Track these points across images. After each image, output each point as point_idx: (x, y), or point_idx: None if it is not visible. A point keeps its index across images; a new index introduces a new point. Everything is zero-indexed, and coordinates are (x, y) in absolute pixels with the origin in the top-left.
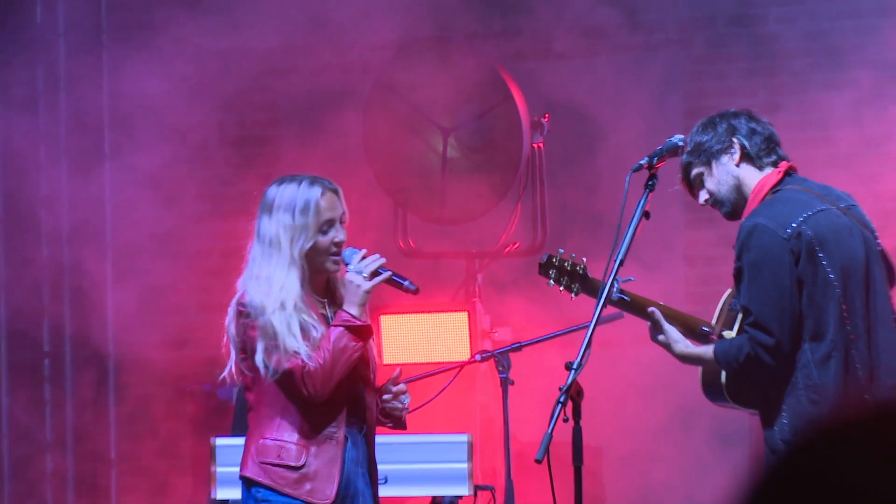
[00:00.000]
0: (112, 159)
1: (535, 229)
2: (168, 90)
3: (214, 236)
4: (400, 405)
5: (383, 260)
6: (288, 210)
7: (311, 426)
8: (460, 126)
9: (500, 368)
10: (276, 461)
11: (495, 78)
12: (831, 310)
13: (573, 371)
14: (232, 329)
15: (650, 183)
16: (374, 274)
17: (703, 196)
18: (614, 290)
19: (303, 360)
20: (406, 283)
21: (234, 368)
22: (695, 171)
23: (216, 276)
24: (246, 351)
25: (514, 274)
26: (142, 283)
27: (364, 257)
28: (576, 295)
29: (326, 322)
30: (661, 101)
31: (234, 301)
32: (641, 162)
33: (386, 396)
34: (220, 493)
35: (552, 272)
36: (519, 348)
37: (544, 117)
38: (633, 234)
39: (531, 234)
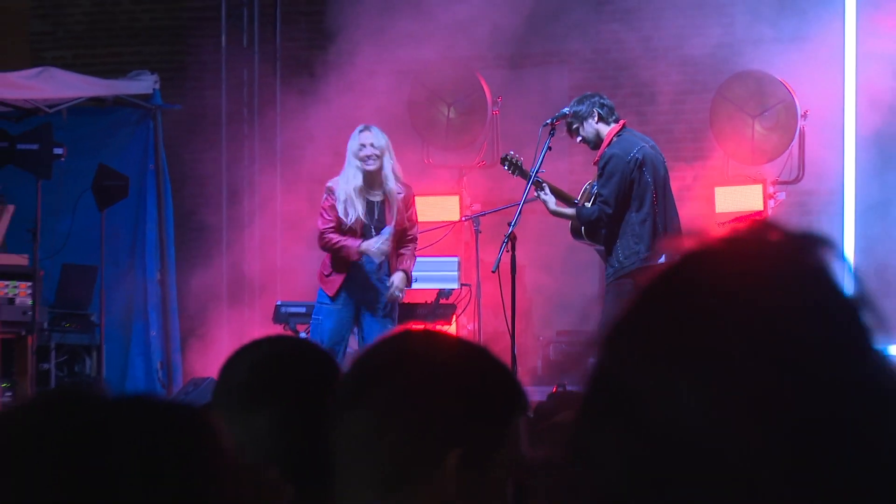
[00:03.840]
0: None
1: (492, 153)
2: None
3: None
4: (393, 296)
5: (387, 248)
6: (352, 137)
7: (339, 258)
8: (456, 101)
9: (475, 224)
10: (321, 269)
11: (474, 78)
12: (647, 196)
13: (511, 225)
14: None
15: (552, 132)
16: (381, 251)
17: (578, 139)
18: (533, 175)
19: (325, 230)
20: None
21: None
22: (574, 125)
23: None
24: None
25: (483, 176)
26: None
27: (384, 241)
28: (514, 174)
29: (371, 206)
30: (559, 92)
31: None
32: (548, 121)
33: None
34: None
35: (506, 163)
36: (484, 214)
37: (499, 98)
38: (543, 158)
39: (490, 155)
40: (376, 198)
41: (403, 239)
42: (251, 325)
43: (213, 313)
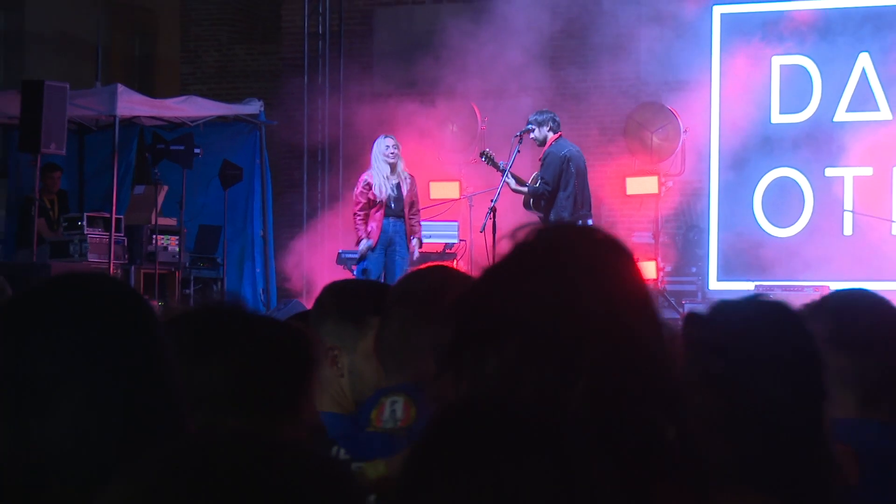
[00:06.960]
0: None
1: (478, 148)
2: None
3: None
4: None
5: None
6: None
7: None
8: (457, 121)
9: (469, 200)
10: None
11: (469, 107)
12: (571, 182)
13: (493, 202)
14: None
15: (521, 140)
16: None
17: (531, 136)
18: (502, 166)
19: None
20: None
21: None
22: (532, 128)
23: None
24: None
25: (475, 169)
26: None
27: (363, 249)
28: (489, 164)
29: (393, 185)
30: (525, 114)
31: None
32: (519, 132)
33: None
34: None
35: (483, 156)
36: (476, 194)
37: (485, 118)
38: (514, 158)
39: (478, 149)
40: (395, 180)
41: (412, 209)
42: (321, 265)
43: (297, 257)
